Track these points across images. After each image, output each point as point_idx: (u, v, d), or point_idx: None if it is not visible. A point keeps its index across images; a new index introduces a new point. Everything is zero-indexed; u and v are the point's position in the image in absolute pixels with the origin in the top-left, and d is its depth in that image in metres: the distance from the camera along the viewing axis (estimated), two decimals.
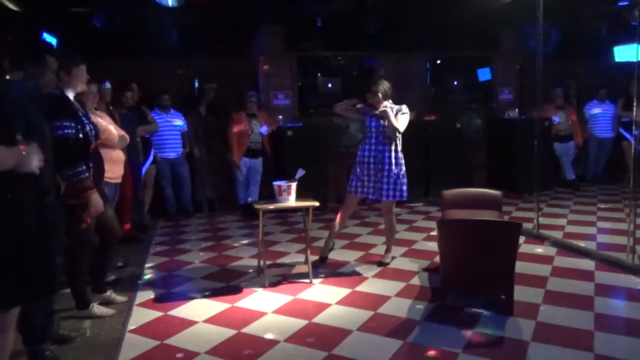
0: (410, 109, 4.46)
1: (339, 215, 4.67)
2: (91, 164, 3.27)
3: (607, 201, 7.00)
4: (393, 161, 4.32)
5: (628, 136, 7.39)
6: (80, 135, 3.17)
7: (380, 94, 4.36)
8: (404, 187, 4.37)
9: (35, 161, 2.03)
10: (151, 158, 6.12)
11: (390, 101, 4.42)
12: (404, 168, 4.39)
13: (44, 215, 2.20)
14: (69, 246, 3.04)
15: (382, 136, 4.33)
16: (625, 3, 6.51)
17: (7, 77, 3.04)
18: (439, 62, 8.65)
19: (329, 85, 8.29)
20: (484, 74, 8.60)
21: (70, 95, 3.25)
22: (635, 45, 4.43)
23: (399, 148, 4.38)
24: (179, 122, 6.58)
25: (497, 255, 3.38)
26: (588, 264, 4.37)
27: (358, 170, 4.43)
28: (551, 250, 4.80)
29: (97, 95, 4.03)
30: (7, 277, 2.04)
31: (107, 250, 3.68)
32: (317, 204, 4.20)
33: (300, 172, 4.32)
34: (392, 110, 4.32)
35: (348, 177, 7.70)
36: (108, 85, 5.13)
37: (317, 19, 7.28)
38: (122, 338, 3.16)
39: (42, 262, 2.15)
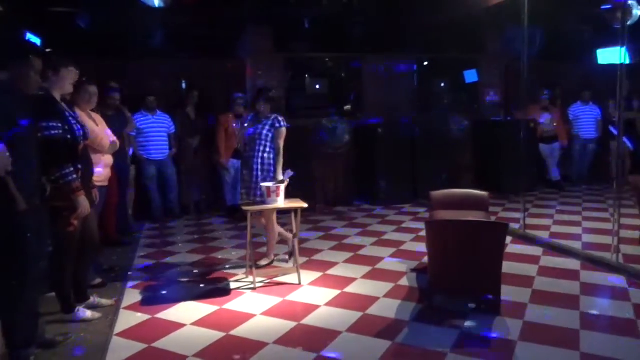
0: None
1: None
2: (79, 166, 3.22)
3: (592, 201, 7.10)
4: (259, 167, 4.34)
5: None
6: (68, 136, 3.14)
7: (268, 104, 4.44)
8: (260, 187, 4.33)
9: (3, 163, 1.92)
10: (130, 154, 6.03)
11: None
12: (272, 175, 4.36)
13: (15, 222, 2.05)
14: (54, 250, 3.00)
15: (253, 143, 4.38)
16: (608, 6, 6.62)
17: None
18: (425, 63, 8.71)
19: (317, 86, 8.31)
20: (471, 76, 8.69)
21: (57, 95, 3.21)
22: (617, 48, 4.51)
23: (271, 156, 4.37)
24: (165, 124, 6.54)
25: (485, 256, 3.41)
26: (574, 264, 4.42)
27: (240, 182, 4.51)
28: (537, 250, 4.85)
29: (94, 96, 3.97)
30: None
31: (84, 258, 3.52)
32: (305, 205, 4.20)
33: (289, 174, 4.31)
34: (269, 120, 4.39)
35: (335, 178, 7.80)
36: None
37: (305, 20, 7.29)
38: (108, 342, 3.11)
39: (10, 275, 1.99)
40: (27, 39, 5.32)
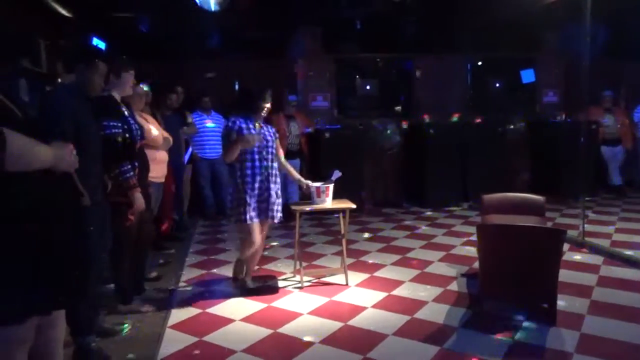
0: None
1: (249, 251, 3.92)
2: (136, 164, 3.38)
3: None
4: (275, 179, 3.92)
5: None
6: (127, 135, 3.30)
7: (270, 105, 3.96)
8: (281, 208, 3.96)
9: (71, 161, 2.03)
10: (188, 156, 6.25)
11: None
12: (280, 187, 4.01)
13: (81, 217, 2.15)
14: (113, 243, 3.15)
15: (264, 152, 3.84)
16: None
17: (60, 80, 3.17)
18: (480, 63, 8.49)
19: (367, 87, 8.28)
20: (528, 76, 8.37)
21: (117, 97, 3.39)
22: None
23: (276, 165, 3.98)
24: (212, 124, 6.71)
25: (540, 263, 3.28)
26: (637, 274, 4.17)
27: (245, 195, 3.76)
28: (597, 259, 4.61)
29: (144, 96, 4.16)
30: (42, 281, 1.91)
31: (140, 252, 3.70)
32: (354, 206, 4.19)
33: (337, 174, 4.32)
34: (268, 128, 3.97)
35: (385, 179, 7.73)
36: (146, 87, 5.24)
37: (355, 20, 7.27)
38: (162, 333, 3.24)
39: (77, 266, 2.09)
40: (93, 43, 5.62)
